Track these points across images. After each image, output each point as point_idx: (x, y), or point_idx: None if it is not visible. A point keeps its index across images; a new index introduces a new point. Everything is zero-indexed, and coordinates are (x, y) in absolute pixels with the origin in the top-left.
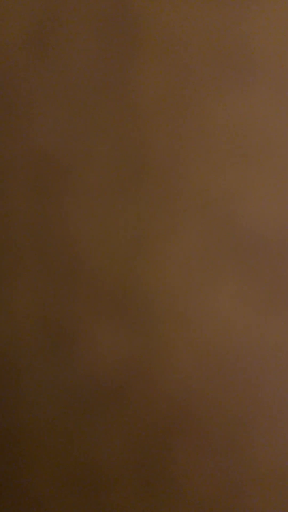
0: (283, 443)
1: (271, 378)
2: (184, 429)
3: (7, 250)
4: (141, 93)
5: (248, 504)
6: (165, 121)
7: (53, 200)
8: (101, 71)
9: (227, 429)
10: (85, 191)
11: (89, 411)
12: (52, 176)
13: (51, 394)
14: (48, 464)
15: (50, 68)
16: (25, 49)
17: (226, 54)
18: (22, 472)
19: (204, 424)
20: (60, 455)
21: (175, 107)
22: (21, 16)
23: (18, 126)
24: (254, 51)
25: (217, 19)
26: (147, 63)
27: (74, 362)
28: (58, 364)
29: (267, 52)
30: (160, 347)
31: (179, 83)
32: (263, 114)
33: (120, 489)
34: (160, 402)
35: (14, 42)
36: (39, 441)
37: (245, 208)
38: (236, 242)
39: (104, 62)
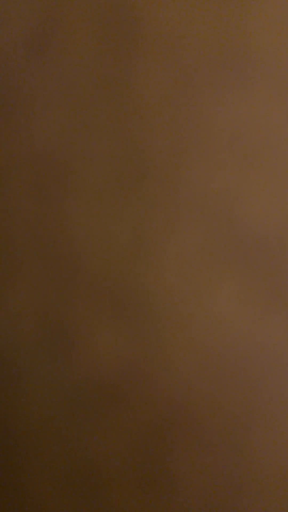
0: (283, 443)
1: (271, 378)
2: (183, 429)
3: (7, 250)
4: (141, 93)
5: (248, 504)
6: (165, 121)
7: (53, 199)
8: (101, 71)
9: (227, 429)
10: (85, 191)
11: (89, 410)
12: (52, 176)
13: (50, 393)
14: (47, 463)
15: (50, 68)
16: (25, 49)
17: (226, 53)
18: (21, 472)
19: (204, 424)
20: (59, 455)
21: (175, 106)
22: (21, 16)
23: (18, 126)
24: (254, 51)
25: (217, 18)
26: (147, 63)
27: (73, 362)
28: (57, 364)
29: (267, 51)
30: (160, 347)
31: (179, 82)
32: (263, 114)
33: (119, 488)
34: (160, 402)
35: (14, 42)
36: (39, 441)
37: (245, 208)
38: (236, 242)
39: (104, 62)
